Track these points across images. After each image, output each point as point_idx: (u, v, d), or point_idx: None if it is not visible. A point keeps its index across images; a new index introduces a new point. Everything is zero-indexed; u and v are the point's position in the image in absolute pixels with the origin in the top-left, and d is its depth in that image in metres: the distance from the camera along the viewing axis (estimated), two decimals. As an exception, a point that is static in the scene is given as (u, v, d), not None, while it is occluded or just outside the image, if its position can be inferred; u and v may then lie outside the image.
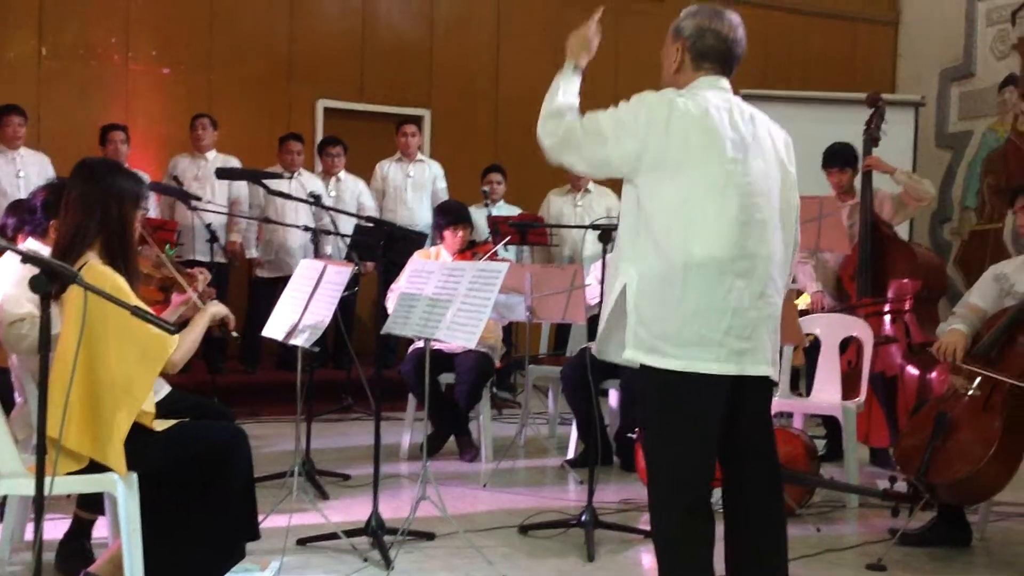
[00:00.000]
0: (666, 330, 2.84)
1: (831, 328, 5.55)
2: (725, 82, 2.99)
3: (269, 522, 4.01)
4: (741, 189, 2.86)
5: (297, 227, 5.81)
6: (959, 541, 4.41)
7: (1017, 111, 10.46)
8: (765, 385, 3.01)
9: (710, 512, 2.91)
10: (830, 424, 6.03)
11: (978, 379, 4.20)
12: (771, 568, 3.02)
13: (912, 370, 5.68)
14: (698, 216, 2.83)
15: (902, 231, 7.56)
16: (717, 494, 3.05)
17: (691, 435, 2.87)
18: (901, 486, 4.29)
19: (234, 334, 3.66)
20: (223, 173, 5.36)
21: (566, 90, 3.06)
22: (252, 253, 7.99)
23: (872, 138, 5.99)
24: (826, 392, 5.46)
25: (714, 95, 2.92)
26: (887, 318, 5.80)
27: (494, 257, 6.06)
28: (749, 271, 2.87)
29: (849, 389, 5.44)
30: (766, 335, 2.92)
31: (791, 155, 3.06)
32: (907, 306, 5.74)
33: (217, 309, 3.54)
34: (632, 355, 2.89)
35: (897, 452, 4.49)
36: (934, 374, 5.62)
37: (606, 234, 4.51)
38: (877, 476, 5.54)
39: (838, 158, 6.07)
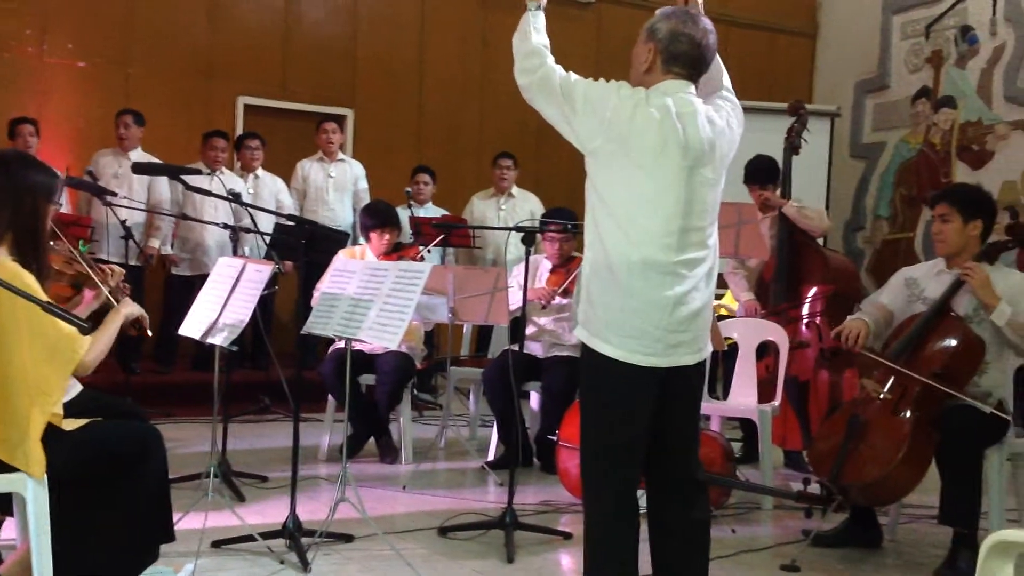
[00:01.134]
0: (609, 318, 2.97)
1: (748, 333, 5.64)
2: (692, 87, 3.04)
3: (184, 524, 3.93)
4: (688, 197, 2.96)
5: (216, 224, 5.71)
6: (870, 542, 4.51)
7: (929, 123, 10.75)
8: (697, 371, 3.11)
9: (637, 508, 3.02)
10: (747, 427, 6.13)
11: (889, 382, 4.30)
12: (693, 569, 3.09)
13: (824, 374, 5.80)
14: (642, 219, 2.94)
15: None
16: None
17: (622, 417, 3.00)
18: (815, 488, 4.36)
19: (148, 333, 3.60)
20: (140, 168, 5.24)
21: (537, 29, 3.10)
22: (167, 250, 7.83)
23: (793, 147, 6.08)
24: (743, 396, 5.54)
25: (679, 99, 2.97)
26: (802, 323, 5.91)
27: (419, 259, 6.05)
28: (686, 274, 2.98)
29: (765, 393, 5.53)
30: (700, 324, 3.04)
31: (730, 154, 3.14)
32: (820, 311, 5.85)
33: (130, 309, 3.46)
34: (579, 333, 3.05)
35: (810, 455, 4.57)
36: (845, 378, 5.75)
37: (529, 236, 4.53)
38: (791, 478, 5.66)
39: (760, 176, 6.09)
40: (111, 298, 3.52)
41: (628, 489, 3.03)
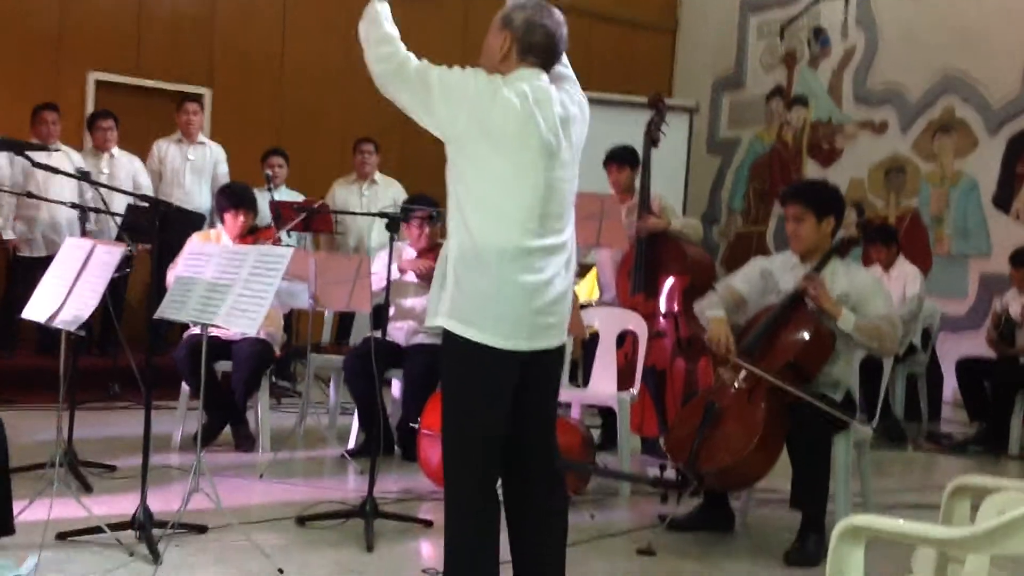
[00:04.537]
0: (477, 304, 2.95)
1: (609, 322, 5.72)
2: (545, 76, 3.06)
3: (26, 515, 3.77)
4: (548, 183, 2.98)
5: (63, 204, 5.46)
6: (723, 526, 4.63)
7: (782, 121, 11.10)
8: (558, 355, 3.15)
9: (497, 497, 3.04)
10: (605, 414, 6.22)
11: (743, 372, 4.42)
12: (551, 556, 3.12)
13: (680, 363, 5.93)
14: (505, 204, 2.95)
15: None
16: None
17: (490, 401, 3.00)
18: (671, 474, 4.46)
19: None
20: (-21, 143, 4.98)
21: (388, 19, 3.06)
22: (9, 235, 7.44)
23: (652, 139, 6.19)
24: (603, 383, 5.62)
25: (535, 87, 2.99)
26: (659, 313, 6.02)
27: (277, 242, 5.92)
28: (549, 258, 3.00)
29: (624, 381, 5.62)
30: (564, 308, 3.07)
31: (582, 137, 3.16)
32: (677, 302, 5.97)
33: None
34: (444, 322, 2.99)
35: (667, 441, 4.66)
36: (700, 367, 5.89)
37: (393, 223, 4.48)
38: (648, 464, 5.76)
39: (617, 158, 6.25)
40: None
41: (490, 478, 3.04)
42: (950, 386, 8.18)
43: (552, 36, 3.06)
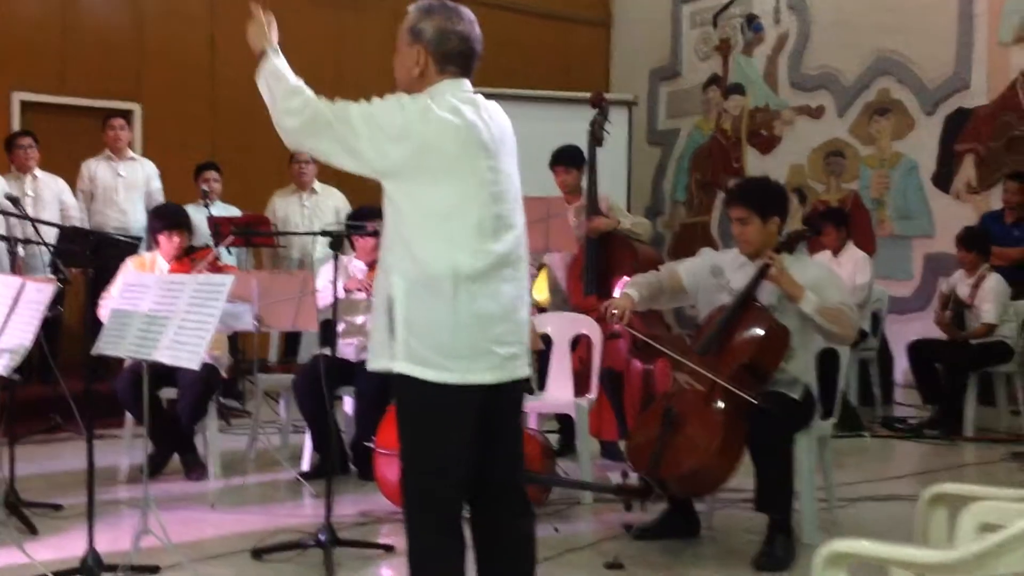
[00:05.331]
0: (439, 341, 2.76)
1: (562, 326, 5.64)
2: (467, 84, 2.91)
3: (-34, 570, 3.60)
4: (496, 196, 2.84)
5: (-8, 235, 5.26)
6: (689, 531, 4.56)
7: (720, 109, 11.11)
8: (520, 384, 3.00)
9: (461, 529, 2.89)
10: (562, 420, 6.14)
11: (700, 375, 4.35)
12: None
13: (637, 364, 5.86)
14: (458, 227, 2.78)
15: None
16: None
17: (453, 443, 2.83)
18: (633, 479, 4.38)
19: None
20: None
21: (287, 69, 2.87)
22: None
23: (597, 139, 6.11)
24: (559, 390, 5.53)
25: (463, 97, 2.85)
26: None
27: (215, 263, 5.75)
28: (511, 276, 2.86)
29: (579, 386, 5.54)
30: (526, 332, 2.94)
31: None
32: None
33: None
34: (403, 367, 2.77)
35: (628, 449, 4.59)
36: (657, 368, 5.83)
37: (337, 241, 4.35)
38: (609, 469, 5.70)
39: (564, 159, 6.15)
40: None
41: (454, 509, 2.89)
42: (900, 368, 8.22)
43: (468, 40, 2.88)
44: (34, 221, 4.95)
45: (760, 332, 4.34)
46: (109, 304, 4.99)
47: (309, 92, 2.82)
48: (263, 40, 2.91)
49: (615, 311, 4.47)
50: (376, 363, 2.87)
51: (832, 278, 4.56)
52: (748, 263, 4.51)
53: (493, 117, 2.91)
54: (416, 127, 2.76)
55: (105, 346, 3.95)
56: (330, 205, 8.07)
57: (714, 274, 4.63)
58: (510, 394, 2.95)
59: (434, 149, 2.77)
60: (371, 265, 5.78)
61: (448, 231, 2.78)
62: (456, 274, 2.76)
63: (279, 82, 2.84)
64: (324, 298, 5.44)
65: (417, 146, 2.76)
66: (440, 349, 2.76)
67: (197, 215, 7.36)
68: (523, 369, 2.93)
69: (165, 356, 3.72)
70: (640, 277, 4.72)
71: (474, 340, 2.78)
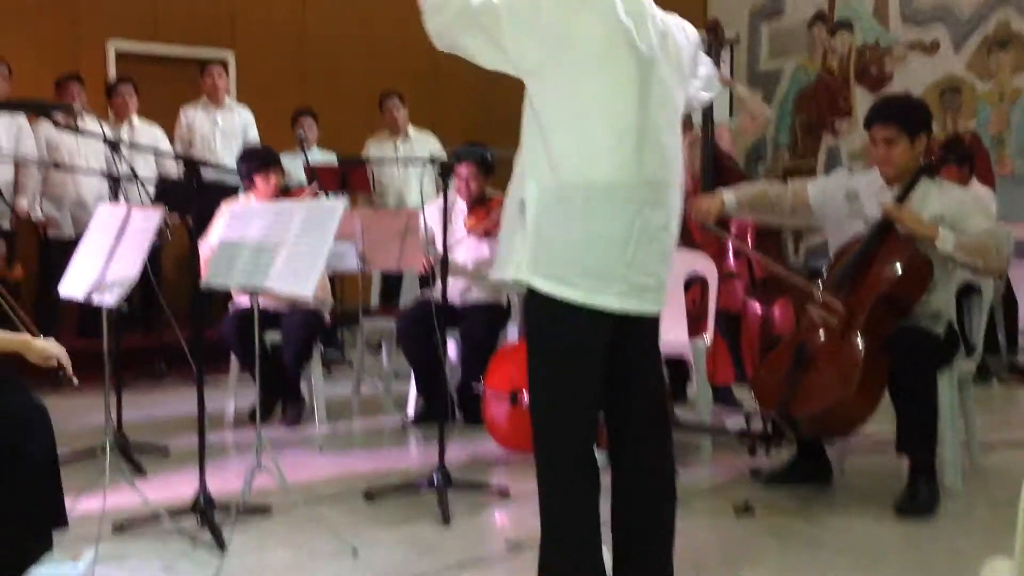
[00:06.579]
0: (568, 255, 2.54)
1: (676, 265, 5.36)
2: None
3: (80, 506, 3.49)
4: (645, 104, 2.57)
5: (93, 172, 5.15)
6: (820, 477, 4.30)
7: (826, 48, 10.62)
8: (655, 320, 2.76)
9: (595, 466, 2.66)
10: (672, 365, 5.87)
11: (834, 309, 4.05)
12: (660, 522, 2.80)
13: (755, 306, 5.58)
14: (598, 133, 2.54)
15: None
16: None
17: (583, 368, 2.62)
18: (757, 423, 4.12)
19: (74, 381, 3.17)
20: (2, 105, 4.65)
21: None
22: (37, 214, 7.11)
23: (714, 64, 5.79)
24: (673, 331, 5.26)
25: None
26: (730, 254, 5.66)
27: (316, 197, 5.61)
28: (654, 199, 2.60)
29: (693, 327, 5.28)
30: (666, 270, 2.68)
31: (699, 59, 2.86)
32: (748, 241, 5.61)
33: (44, 346, 3.02)
34: (528, 278, 2.59)
35: (755, 388, 4.31)
36: (777, 308, 5.54)
37: (446, 169, 4.15)
38: (724, 414, 5.44)
39: None
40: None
41: (586, 447, 2.66)
42: (1025, 314, 7.79)
43: None
44: (134, 151, 4.81)
45: (901, 263, 4.02)
46: (211, 241, 4.88)
47: None
48: None
49: (699, 207, 4.18)
50: (501, 271, 2.68)
51: (977, 203, 4.17)
52: (887, 188, 4.18)
53: (667, 24, 2.69)
54: (558, 20, 2.53)
55: (214, 278, 3.81)
56: (425, 149, 7.85)
57: (849, 199, 4.29)
58: (643, 332, 2.71)
59: (577, 46, 2.53)
60: (471, 206, 5.56)
61: (587, 135, 2.55)
62: (589, 188, 2.54)
63: None
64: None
65: (557, 42, 2.53)
66: (567, 263, 2.55)
67: (294, 163, 7.24)
68: (656, 304, 2.68)
69: (277, 283, 3.54)
70: (747, 186, 4.42)
71: (604, 261, 2.55)
